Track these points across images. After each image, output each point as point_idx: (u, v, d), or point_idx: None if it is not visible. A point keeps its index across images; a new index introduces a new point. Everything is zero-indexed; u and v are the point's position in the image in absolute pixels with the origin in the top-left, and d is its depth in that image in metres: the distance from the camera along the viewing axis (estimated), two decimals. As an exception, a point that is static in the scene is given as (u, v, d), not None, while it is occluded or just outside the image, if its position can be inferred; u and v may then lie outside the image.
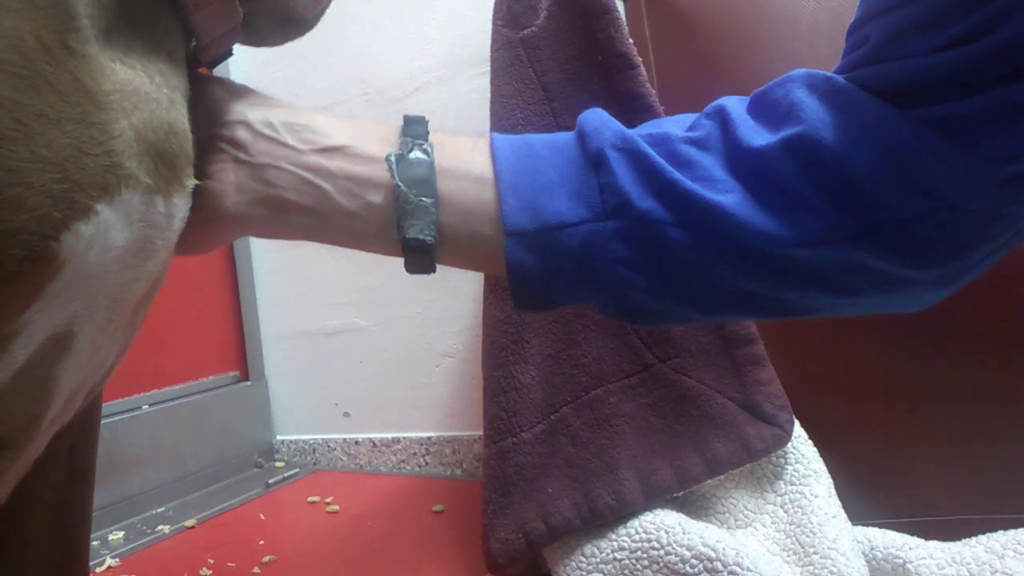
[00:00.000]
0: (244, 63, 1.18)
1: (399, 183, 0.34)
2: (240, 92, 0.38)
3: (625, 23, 0.68)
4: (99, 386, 0.36)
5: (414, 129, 0.36)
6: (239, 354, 1.19)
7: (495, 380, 0.66)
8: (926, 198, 0.32)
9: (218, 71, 1.15)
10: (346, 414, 1.14)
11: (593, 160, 0.35)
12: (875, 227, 0.33)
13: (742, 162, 0.35)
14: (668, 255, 0.35)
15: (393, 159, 0.35)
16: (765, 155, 0.34)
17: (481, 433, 0.69)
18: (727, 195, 0.34)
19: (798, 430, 0.64)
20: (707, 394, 0.63)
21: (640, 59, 0.67)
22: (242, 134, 0.35)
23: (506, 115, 0.70)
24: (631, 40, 0.67)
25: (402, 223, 0.34)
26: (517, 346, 0.66)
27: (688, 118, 0.39)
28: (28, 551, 0.38)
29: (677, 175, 0.35)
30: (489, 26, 0.74)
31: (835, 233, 0.33)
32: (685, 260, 0.35)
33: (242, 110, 0.36)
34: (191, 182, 0.31)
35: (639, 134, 0.37)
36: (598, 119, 0.37)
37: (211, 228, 0.36)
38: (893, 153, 0.32)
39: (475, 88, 0.98)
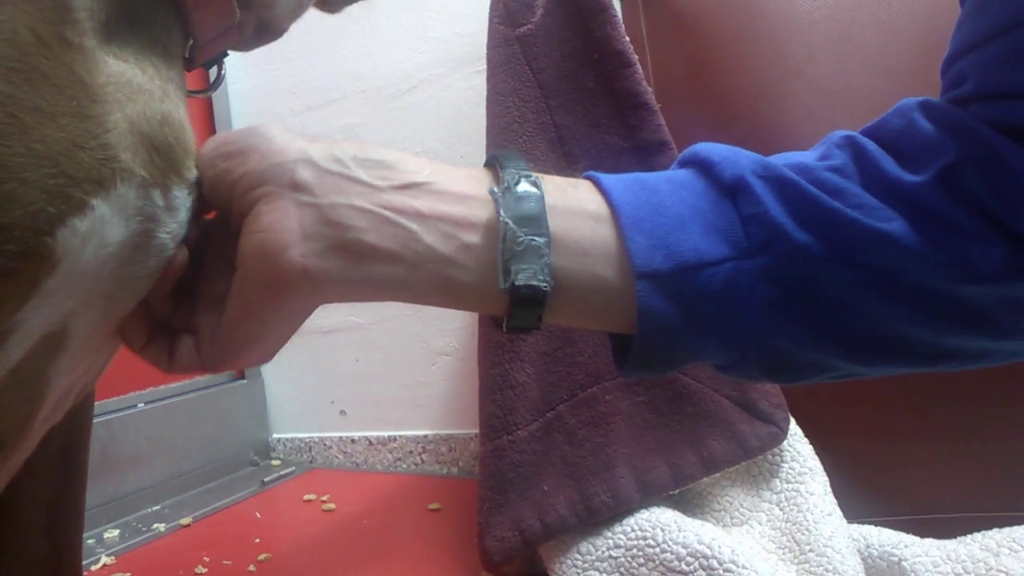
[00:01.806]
0: (240, 62, 1.18)
1: (507, 219, 0.29)
2: (291, 135, 0.32)
3: (621, 21, 0.68)
4: (90, 385, 0.36)
5: (515, 162, 0.32)
6: (235, 352, 1.19)
7: (491, 378, 0.66)
8: None
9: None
10: (342, 412, 1.14)
11: (729, 189, 0.31)
12: None
13: (892, 193, 0.31)
14: (825, 296, 0.31)
15: (499, 192, 0.30)
16: (920, 188, 0.31)
17: (477, 431, 0.69)
18: (891, 223, 0.30)
19: (794, 428, 0.64)
20: (703, 392, 0.63)
21: (636, 57, 0.67)
22: (304, 173, 0.29)
23: (502, 112, 0.70)
24: (627, 38, 0.67)
25: (510, 266, 0.29)
26: (513, 344, 0.66)
27: (805, 153, 0.35)
28: (21, 548, 0.38)
29: (835, 203, 0.30)
30: (486, 24, 0.74)
31: (1011, 264, 0.30)
32: (844, 301, 0.31)
33: (301, 147, 0.30)
34: (192, 174, 0.30)
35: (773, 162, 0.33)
36: (723, 148, 0.33)
37: (274, 296, 0.29)
38: None
39: (471, 86, 0.98)
